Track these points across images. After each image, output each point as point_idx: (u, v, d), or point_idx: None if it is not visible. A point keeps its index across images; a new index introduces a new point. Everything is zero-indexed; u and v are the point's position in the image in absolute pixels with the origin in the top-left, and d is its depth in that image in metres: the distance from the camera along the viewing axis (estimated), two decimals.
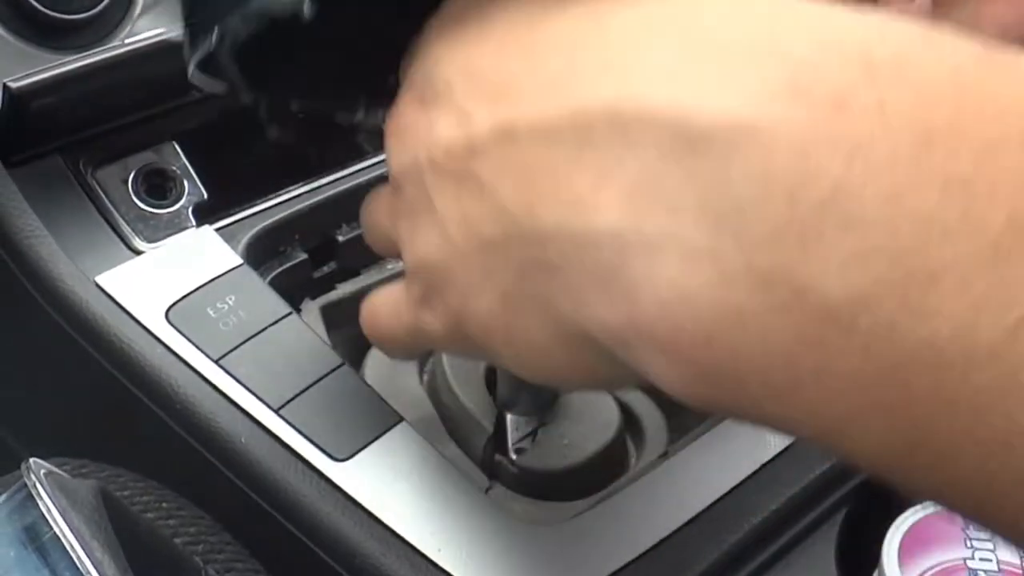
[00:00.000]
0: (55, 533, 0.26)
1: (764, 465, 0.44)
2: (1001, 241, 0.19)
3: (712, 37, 0.23)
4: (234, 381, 0.43)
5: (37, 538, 0.26)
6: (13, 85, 0.46)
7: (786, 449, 0.44)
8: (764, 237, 0.21)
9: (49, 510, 0.27)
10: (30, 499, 0.27)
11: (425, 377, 0.50)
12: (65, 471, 0.40)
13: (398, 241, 0.32)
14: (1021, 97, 0.20)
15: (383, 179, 0.52)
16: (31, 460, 0.29)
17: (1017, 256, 0.19)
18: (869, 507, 0.45)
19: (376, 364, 0.49)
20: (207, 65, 0.33)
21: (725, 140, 0.21)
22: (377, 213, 0.36)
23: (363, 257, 0.53)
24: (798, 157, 0.20)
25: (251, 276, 0.47)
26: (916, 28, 0.22)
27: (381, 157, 0.53)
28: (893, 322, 0.20)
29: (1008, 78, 0.21)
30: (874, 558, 0.42)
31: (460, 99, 0.28)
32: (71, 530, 0.26)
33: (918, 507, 0.43)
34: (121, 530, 0.30)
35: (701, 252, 0.21)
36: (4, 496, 0.28)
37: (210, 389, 0.43)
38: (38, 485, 0.27)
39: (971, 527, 0.43)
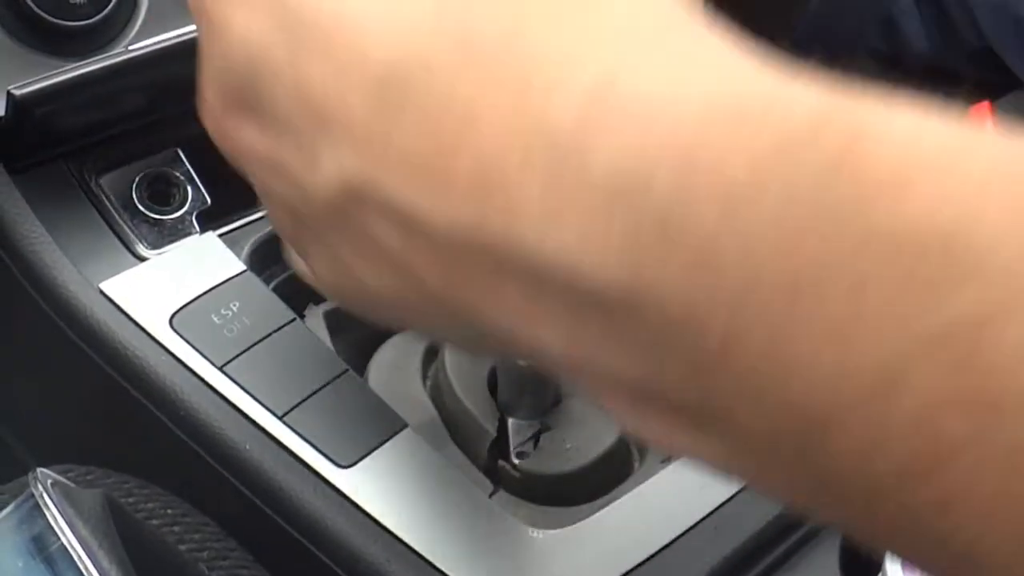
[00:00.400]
0: (62, 544, 0.26)
1: None
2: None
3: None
4: (238, 388, 0.43)
5: (45, 548, 0.26)
6: (17, 92, 0.46)
7: None
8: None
9: (56, 520, 0.27)
10: (37, 509, 0.27)
11: (428, 382, 0.50)
12: (70, 478, 0.40)
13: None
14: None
15: None
16: (38, 470, 0.29)
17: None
18: None
19: (380, 369, 0.49)
20: None
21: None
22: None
23: None
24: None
25: (255, 282, 0.47)
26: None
27: None
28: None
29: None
30: (877, 563, 0.42)
31: (301, 134, 0.26)
32: (78, 540, 0.26)
33: None
34: (127, 538, 0.30)
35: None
36: (11, 506, 0.28)
37: (214, 396, 0.43)
38: (45, 495, 0.27)
39: None
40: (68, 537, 0.27)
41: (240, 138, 0.29)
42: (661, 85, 0.22)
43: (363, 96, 0.25)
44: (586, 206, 0.21)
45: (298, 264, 0.34)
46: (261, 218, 0.50)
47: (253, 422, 0.42)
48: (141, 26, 0.50)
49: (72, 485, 0.30)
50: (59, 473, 0.41)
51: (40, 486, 0.28)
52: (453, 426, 0.47)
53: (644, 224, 0.21)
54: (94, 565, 0.26)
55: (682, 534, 0.42)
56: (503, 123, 0.23)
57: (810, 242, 0.19)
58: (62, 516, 0.27)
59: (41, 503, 0.27)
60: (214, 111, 0.29)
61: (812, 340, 0.19)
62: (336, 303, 0.34)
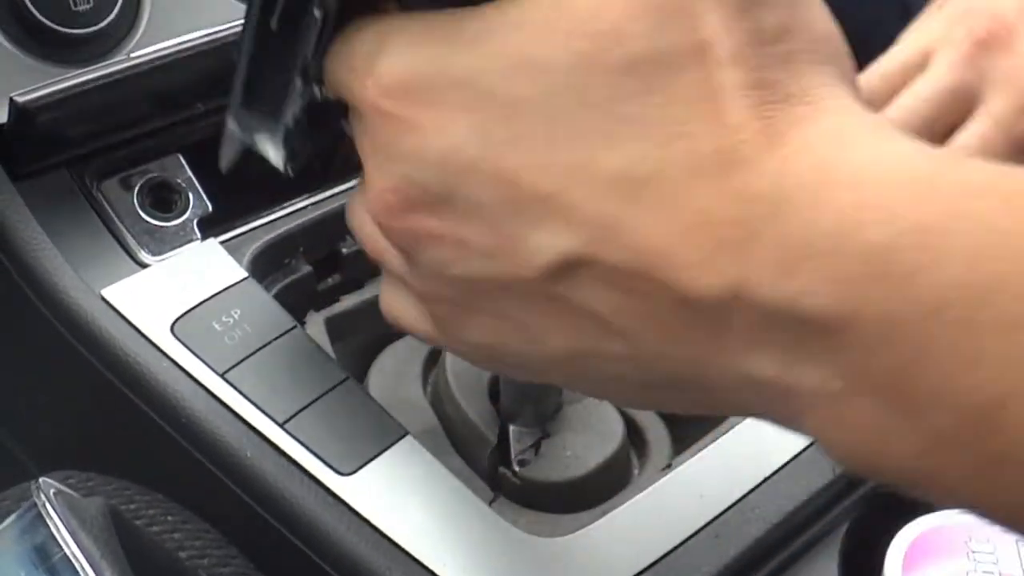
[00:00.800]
0: (65, 554, 0.26)
1: (767, 477, 0.44)
2: None
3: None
4: (239, 395, 0.43)
5: (47, 558, 0.27)
6: (20, 99, 0.46)
7: (789, 461, 0.45)
8: (884, 383, 0.25)
9: (59, 530, 0.27)
10: (39, 519, 0.27)
11: (429, 389, 0.50)
12: (71, 485, 0.40)
13: (428, 327, 0.33)
14: None
15: None
16: (40, 479, 0.29)
17: None
18: (872, 519, 0.45)
19: (380, 376, 0.50)
20: (295, 159, 0.35)
21: (838, 322, 0.25)
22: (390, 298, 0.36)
23: (367, 269, 0.53)
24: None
25: (256, 289, 0.47)
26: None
27: None
28: None
29: None
30: (877, 570, 0.42)
31: (504, 223, 0.28)
32: (81, 550, 0.26)
33: (921, 519, 0.43)
34: (128, 547, 0.30)
35: (842, 395, 0.26)
36: (14, 516, 0.28)
37: (215, 403, 0.43)
38: (47, 505, 0.27)
39: (973, 539, 0.43)
40: (71, 547, 0.27)
41: (417, 228, 0.30)
42: (868, 160, 0.26)
43: (591, 187, 0.27)
44: (813, 264, 0.25)
45: (415, 325, 0.34)
46: (262, 225, 0.50)
47: (254, 429, 0.42)
48: (143, 34, 0.51)
49: (74, 494, 0.30)
50: (59, 480, 0.41)
51: (43, 495, 0.28)
52: (454, 434, 0.47)
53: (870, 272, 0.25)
54: (96, 575, 0.26)
55: (682, 542, 0.42)
56: (734, 212, 0.26)
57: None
58: (65, 526, 0.27)
59: (44, 512, 0.27)
60: (390, 210, 0.30)
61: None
62: (497, 369, 0.38)
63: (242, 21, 0.33)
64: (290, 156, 0.35)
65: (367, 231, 0.33)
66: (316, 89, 0.32)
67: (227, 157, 0.37)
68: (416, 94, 0.29)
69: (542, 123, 0.27)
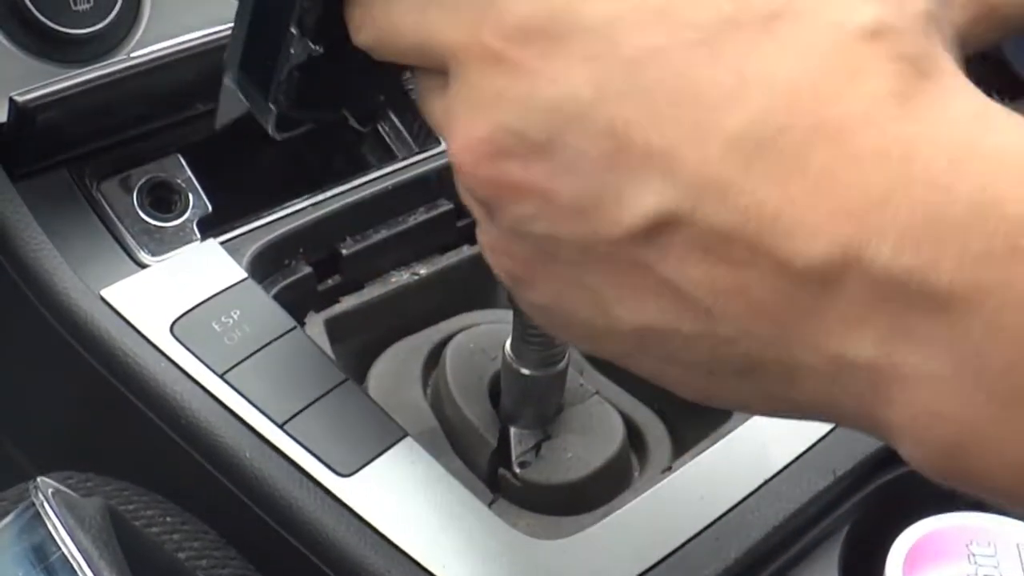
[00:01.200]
0: (63, 553, 0.26)
1: (768, 480, 0.44)
2: None
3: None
4: (239, 396, 0.43)
5: (45, 558, 0.26)
6: (19, 99, 0.46)
7: (789, 464, 0.45)
8: (999, 371, 0.24)
9: (57, 530, 0.27)
10: (38, 518, 0.27)
11: (429, 390, 0.50)
12: (70, 485, 0.40)
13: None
14: None
15: (390, 193, 0.53)
16: (39, 479, 0.29)
17: None
18: (873, 522, 0.45)
19: (380, 378, 0.50)
20: (282, 124, 0.35)
21: (963, 300, 0.24)
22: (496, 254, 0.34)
23: (367, 270, 0.53)
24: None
25: (255, 290, 0.47)
26: None
27: (384, 171, 0.54)
28: None
29: None
30: (878, 573, 0.42)
31: (604, 175, 0.27)
32: (79, 550, 0.26)
33: (922, 522, 0.43)
34: (127, 547, 0.30)
35: (947, 382, 0.25)
36: (12, 516, 0.28)
37: (215, 404, 0.43)
38: (46, 504, 0.27)
39: (974, 542, 0.43)
40: (69, 547, 0.26)
41: (503, 179, 0.29)
42: (1009, 139, 0.25)
43: (707, 145, 0.26)
44: (943, 236, 0.24)
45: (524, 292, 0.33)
46: (262, 226, 0.50)
47: (253, 430, 0.42)
48: (143, 34, 0.50)
49: (73, 494, 0.30)
50: (58, 480, 0.41)
51: (41, 495, 0.28)
52: (453, 435, 0.47)
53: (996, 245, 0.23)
54: (94, 575, 0.26)
55: (682, 544, 0.42)
56: (858, 178, 0.25)
57: None
58: (63, 525, 0.27)
59: (42, 512, 0.27)
60: (478, 160, 0.29)
61: None
62: (559, 333, 0.35)
63: None
64: (280, 118, 0.34)
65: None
66: (311, 44, 0.32)
67: (223, 116, 0.37)
68: (537, 39, 0.28)
69: (669, 77, 0.26)
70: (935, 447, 0.25)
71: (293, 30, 0.32)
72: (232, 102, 0.36)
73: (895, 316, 0.25)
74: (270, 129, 0.35)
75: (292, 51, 0.32)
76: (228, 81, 0.36)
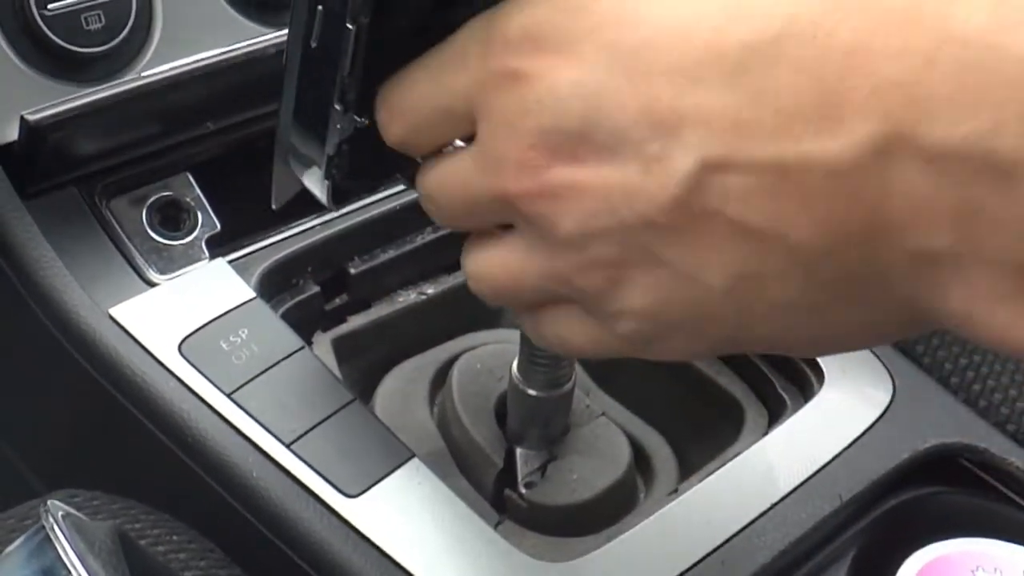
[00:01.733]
0: None
1: (774, 504, 0.44)
2: None
3: None
4: (246, 415, 0.43)
5: None
6: (31, 118, 0.46)
7: (796, 488, 0.44)
8: None
9: (67, 554, 0.27)
10: (47, 542, 0.27)
11: (435, 411, 0.50)
12: (76, 504, 0.40)
13: (581, 298, 0.32)
14: None
15: (397, 212, 0.53)
16: (48, 501, 0.29)
17: None
18: (880, 546, 0.45)
19: (387, 398, 0.50)
20: (337, 196, 0.35)
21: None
22: (519, 276, 0.33)
23: (374, 290, 0.53)
24: None
25: (264, 309, 0.47)
26: None
27: (392, 191, 0.54)
28: None
29: None
30: None
31: (644, 144, 0.27)
32: (88, 574, 0.26)
33: (928, 547, 0.43)
34: (134, 567, 0.30)
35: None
36: (22, 539, 0.28)
37: (222, 423, 0.43)
38: (56, 527, 0.27)
39: (981, 568, 0.42)
40: (79, 571, 0.27)
41: (559, 183, 0.29)
42: None
43: (718, 83, 0.26)
44: (1001, 96, 0.23)
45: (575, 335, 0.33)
46: (270, 245, 0.50)
47: (260, 450, 0.42)
48: (154, 53, 0.51)
49: (83, 517, 0.30)
50: (65, 498, 0.41)
51: (51, 518, 0.28)
52: (460, 456, 0.47)
53: None
54: None
55: (689, 568, 0.42)
56: (896, 44, 0.24)
57: None
58: (73, 550, 0.27)
59: (52, 535, 0.27)
60: (538, 168, 0.29)
61: None
62: (664, 335, 0.32)
63: (284, 49, 0.34)
64: (334, 189, 0.35)
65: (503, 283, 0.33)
66: (355, 118, 0.32)
67: (280, 196, 0.38)
68: (543, 40, 0.29)
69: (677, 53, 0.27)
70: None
71: (337, 106, 0.32)
72: (286, 181, 0.36)
73: (960, 191, 0.24)
74: (327, 202, 0.35)
75: (339, 126, 0.33)
76: (279, 162, 0.36)
